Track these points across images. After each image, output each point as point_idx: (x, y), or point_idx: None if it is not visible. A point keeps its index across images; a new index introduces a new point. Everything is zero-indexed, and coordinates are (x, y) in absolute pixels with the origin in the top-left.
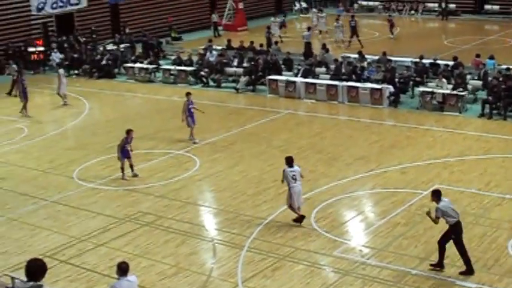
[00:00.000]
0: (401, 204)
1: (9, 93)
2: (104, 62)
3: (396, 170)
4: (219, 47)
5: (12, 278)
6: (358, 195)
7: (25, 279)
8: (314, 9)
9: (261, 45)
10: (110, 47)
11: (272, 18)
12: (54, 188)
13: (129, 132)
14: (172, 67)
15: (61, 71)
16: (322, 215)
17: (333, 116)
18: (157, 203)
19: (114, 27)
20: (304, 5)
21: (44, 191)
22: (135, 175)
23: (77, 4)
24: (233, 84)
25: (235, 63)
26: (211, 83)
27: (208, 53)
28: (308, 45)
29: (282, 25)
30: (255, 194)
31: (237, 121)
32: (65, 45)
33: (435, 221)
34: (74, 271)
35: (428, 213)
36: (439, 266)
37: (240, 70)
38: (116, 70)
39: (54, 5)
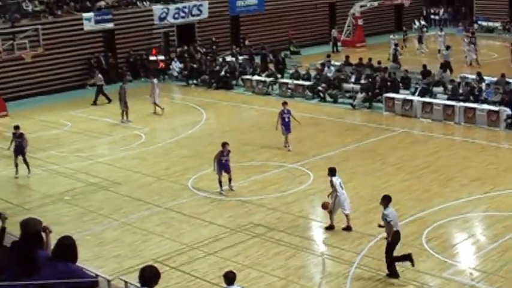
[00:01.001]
0: None
1: (95, 103)
2: (222, 73)
3: (511, 193)
4: (337, 63)
5: (126, 282)
6: (471, 217)
7: (138, 284)
8: (425, 28)
9: (379, 62)
10: (228, 58)
11: (391, 36)
12: (168, 195)
13: (224, 145)
14: (290, 81)
15: (155, 80)
16: (433, 236)
17: (449, 136)
18: (270, 215)
19: (234, 39)
20: (423, 23)
21: (158, 198)
22: (231, 189)
23: (198, 15)
24: (350, 101)
25: (352, 80)
26: (328, 98)
27: (326, 68)
28: (447, 64)
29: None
30: (367, 211)
31: (353, 137)
32: (185, 55)
33: (389, 226)
34: (183, 278)
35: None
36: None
37: (357, 86)
38: (234, 82)
39: (176, 15)
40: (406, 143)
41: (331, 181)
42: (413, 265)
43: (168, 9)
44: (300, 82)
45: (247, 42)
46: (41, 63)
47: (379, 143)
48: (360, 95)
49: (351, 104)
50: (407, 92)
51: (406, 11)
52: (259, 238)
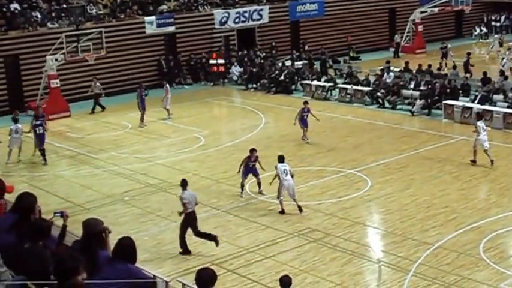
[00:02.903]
0: None
1: (93, 112)
2: (281, 77)
3: None
4: (397, 69)
5: (183, 284)
6: None
7: (194, 286)
8: (496, 35)
9: (439, 68)
10: (288, 63)
11: (449, 46)
12: (226, 198)
13: (252, 151)
14: (349, 86)
15: (168, 85)
16: (491, 245)
17: (508, 144)
18: (326, 220)
19: (294, 43)
20: (484, 30)
21: (216, 200)
22: (260, 192)
23: (258, 20)
24: (409, 107)
25: (411, 86)
26: (386, 105)
27: (385, 74)
28: None
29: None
30: (424, 218)
31: (411, 144)
32: (245, 59)
33: (185, 207)
34: (239, 281)
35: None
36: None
37: (417, 93)
38: (293, 86)
39: (237, 20)
40: (464, 151)
41: (275, 167)
42: (217, 245)
43: (228, 13)
44: (359, 88)
45: (306, 47)
46: (104, 66)
47: (437, 150)
48: (419, 102)
49: (410, 111)
50: (467, 99)
51: (467, 18)
52: (315, 243)
